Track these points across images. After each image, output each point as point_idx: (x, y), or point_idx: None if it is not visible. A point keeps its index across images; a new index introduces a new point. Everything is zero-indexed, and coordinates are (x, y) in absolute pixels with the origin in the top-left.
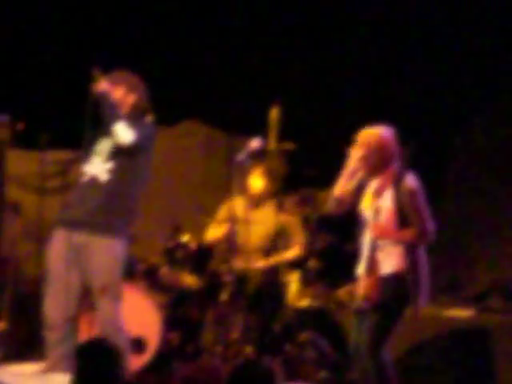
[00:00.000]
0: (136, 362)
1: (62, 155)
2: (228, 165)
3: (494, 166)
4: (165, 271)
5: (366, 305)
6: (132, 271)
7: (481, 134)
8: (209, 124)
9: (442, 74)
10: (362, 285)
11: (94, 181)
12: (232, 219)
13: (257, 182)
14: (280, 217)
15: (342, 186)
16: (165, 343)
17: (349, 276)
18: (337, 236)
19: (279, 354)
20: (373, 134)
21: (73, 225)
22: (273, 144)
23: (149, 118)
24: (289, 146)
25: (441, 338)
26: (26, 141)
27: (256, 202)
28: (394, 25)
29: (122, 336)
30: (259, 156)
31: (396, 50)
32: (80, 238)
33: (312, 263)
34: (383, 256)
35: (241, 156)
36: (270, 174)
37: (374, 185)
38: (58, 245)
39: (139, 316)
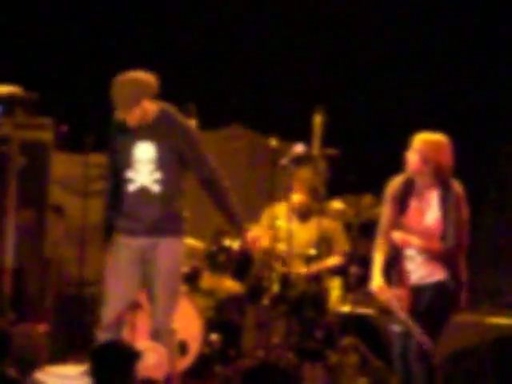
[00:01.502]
0: (179, 365)
1: (104, 158)
2: (272, 169)
3: None
4: (207, 275)
5: (402, 314)
6: None
7: None
8: (253, 128)
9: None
10: (395, 295)
11: (145, 191)
12: (274, 226)
13: (296, 196)
14: (323, 223)
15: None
16: (206, 347)
17: (390, 282)
18: None
19: (320, 359)
20: (432, 140)
21: (135, 233)
22: (316, 150)
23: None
24: (332, 151)
25: (483, 345)
26: (70, 144)
27: (300, 213)
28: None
29: (173, 338)
30: (302, 161)
31: (443, 52)
32: (145, 241)
33: (354, 269)
34: (415, 266)
35: (284, 161)
36: (311, 185)
37: (415, 198)
38: (120, 251)
39: (181, 319)
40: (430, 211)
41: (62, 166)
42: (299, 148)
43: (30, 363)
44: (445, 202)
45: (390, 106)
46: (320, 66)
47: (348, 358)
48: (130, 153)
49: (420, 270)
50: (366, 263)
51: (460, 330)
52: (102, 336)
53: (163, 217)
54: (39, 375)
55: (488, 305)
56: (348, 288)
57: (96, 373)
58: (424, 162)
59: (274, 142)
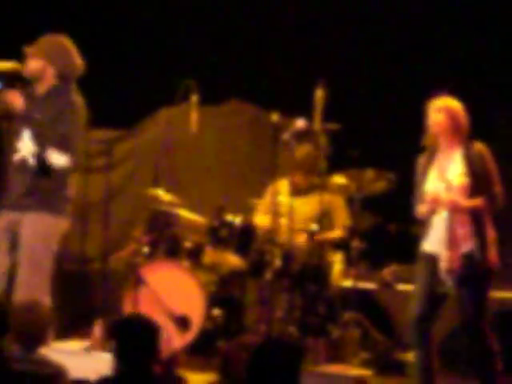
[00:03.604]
0: (181, 341)
1: (106, 134)
2: (273, 145)
3: None
4: (209, 250)
5: (450, 277)
6: (176, 250)
7: None
8: (254, 103)
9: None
10: (444, 259)
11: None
12: (276, 202)
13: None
14: (324, 197)
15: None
16: (209, 322)
17: (392, 256)
18: (381, 216)
19: (322, 334)
20: (452, 101)
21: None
22: (317, 124)
23: (73, 92)
24: (333, 126)
25: (491, 319)
26: None
27: (301, 187)
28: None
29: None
30: (304, 136)
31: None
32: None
33: (356, 243)
34: (463, 232)
35: (286, 136)
36: (313, 159)
37: (438, 162)
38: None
39: (184, 295)
40: (453, 166)
41: None
42: (300, 123)
43: (34, 339)
44: (469, 158)
45: (391, 81)
46: (321, 40)
47: (350, 333)
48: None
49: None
50: (367, 237)
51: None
52: None
53: (31, 192)
54: (43, 350)
55: (496, 279)
56: (350, 262)
57: (119, 348)
58: (451, 118)
59: (275, 117)
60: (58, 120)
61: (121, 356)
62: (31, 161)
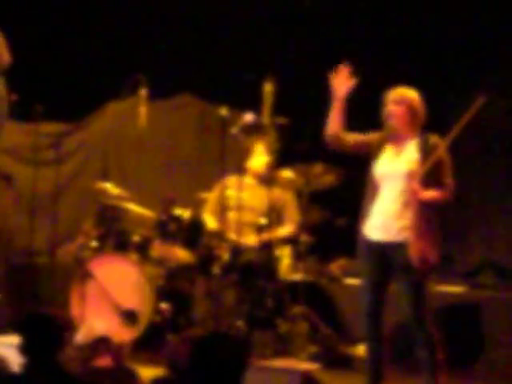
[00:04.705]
0: (129, 334)
1: (55, 127)
2: (222, 138)
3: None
4: (157, 244)
5: (417, 270)
6: (124, 244)
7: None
8: (202, 98)
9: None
10: (414, 247)
11: None
12: (224, 198)
13: (260, 159)
14: (273, 192)
15: (334, 122)
16: (157, 315)
17: (340, 250)
18: (329, 211)
19: (271, 327)
20: (410, 92)
21: None
22: (266, 118)
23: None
24: (282, 120)
25: (434, 313)
26: (20, 113)
27: (261, 179)
28: None
29: None
30: (252, 130)
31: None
32: None
33: (304, 238)
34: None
35: (234, 130)
36: (269, 150)
37: (390, 147)
38: None
39: (132, 288)
40: (406, 154)
41: (12, 135)
42: (249, 117)
43: None
44: (423, 148)
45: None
46: (270, 35)
47: (298, 327)
48: None
49: (392, 222)
50: (316, 231)
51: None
52: None
53: None
54: None
55: (438, 273)
56: (298, 256)
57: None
58: (409, 109)
59: (223, 111)
60: None
61: (27, 351)
62: None
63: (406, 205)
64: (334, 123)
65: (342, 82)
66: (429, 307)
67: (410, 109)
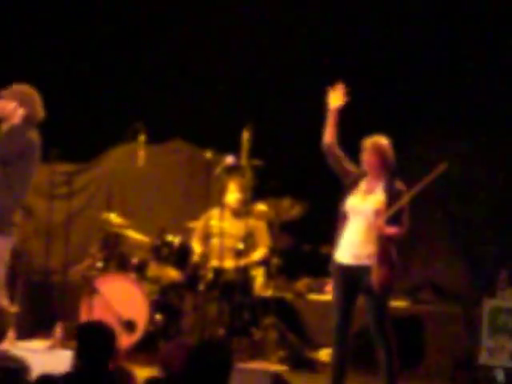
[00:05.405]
0: (128, 341)
1: (67, 167)
2: (207, 177)
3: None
4: (152, 265)
5: (379, 291)
6: (125, 265)
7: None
8: (192, 142)
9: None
10: (375, 273)
11: None
12: (208, 227)
13: (234, 196)
14: (249, 222)
15: (329, 131)
16: (151, 325)
17: (305, 271)
18: (295, 238)
19: (247, 335)
20: (381, 140)
21: None
22: (244, 160)
23: (34, 131)
24: (257, 162)
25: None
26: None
27: (234, 212)
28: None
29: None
30: (233, 170)
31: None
32: None
33: (275, 260)
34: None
35: (217, 170)
36: (243, 188)
37: (363, 186)
38: None
39: (131, 302)
40: (374, 195)
41: None
42: (230, 159)
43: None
44: (390, 192)
45: (304, 124)
46: (247, 90)
47: (269, 335)
48: None
49: (359, 250)
50: (284, 255)
51: (360, 311)
52: None
53: None
54: (10, 348)
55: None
56: (270, 276)
57: (80, 349)
58: (380, 157)
59: (208, 154)
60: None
61: (81, 355)
62: None
63: (369, 236)
64: (328, 134)
65: (336, 98)
66: (388, 318)
67: (381, 157)
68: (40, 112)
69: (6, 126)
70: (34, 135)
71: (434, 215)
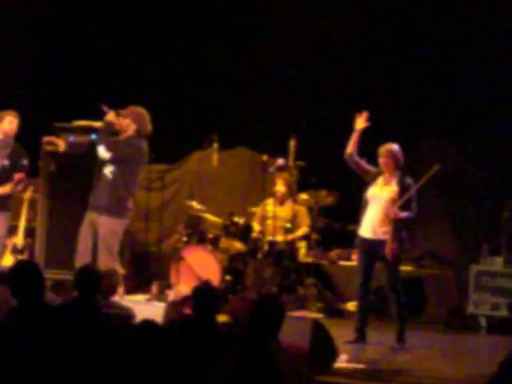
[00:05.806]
0: None
1: (160, 167)
2: (263, 175)
3: None
4: (223, 239)
5: (391, 260)
6: (203, 239)
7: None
8: (252, 149)
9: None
10: (389, 247)
11: (104, 177)
12: (265, 211)
13: (280, 188)
14: (295, 207)
15: (351, 145)
16: (223, 284)
17: (336, 244)
18: (329, 219)
19: (293, 292)
20: (393, 146)
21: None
22: (291, 162)
23: (143, 141)
24: (301, 163)
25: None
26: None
27: (280, 200)
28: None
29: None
30: (282, 169)
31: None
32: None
33: (314, 236)
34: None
35: (271, 169)
36: (287, 183)
37: (381, 180)
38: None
39: (208, 267)
40: (389, 187)
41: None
42: (280, 161)
43: (108, 291)
44: (402, 185)
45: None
46: (294, 103)
47: (310, 291)
48: None
49: (377, 227)
50: (321, 232)
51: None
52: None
53: (107, 199)
54: (120, 300)
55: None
56: (310, 247)
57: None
58: (393, 160)
59: (265, 157)
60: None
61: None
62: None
63: (385, 217)
64: (350, 147)
65: (361, 121)
66: (398, 279)
67: (393, 159)
68: (149, 127)
69: (122, 137)
70: (143, 145)
71: (433, 202)
